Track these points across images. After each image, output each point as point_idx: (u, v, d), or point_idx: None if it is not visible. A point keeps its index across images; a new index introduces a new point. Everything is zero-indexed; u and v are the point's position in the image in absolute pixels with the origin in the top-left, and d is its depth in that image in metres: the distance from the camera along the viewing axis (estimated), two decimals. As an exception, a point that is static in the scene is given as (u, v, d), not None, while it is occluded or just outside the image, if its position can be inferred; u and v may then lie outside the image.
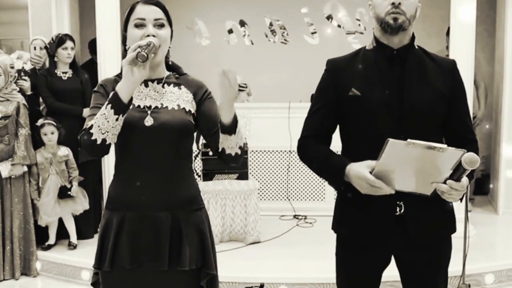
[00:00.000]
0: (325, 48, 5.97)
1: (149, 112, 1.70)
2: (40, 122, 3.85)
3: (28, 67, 4.23)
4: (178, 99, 1.75)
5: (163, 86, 1.76)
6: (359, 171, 1.63)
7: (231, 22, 6.27)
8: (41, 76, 4.03)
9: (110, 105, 1.58)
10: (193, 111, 1.76)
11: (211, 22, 6.28)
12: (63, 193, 3.77)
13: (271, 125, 4.69)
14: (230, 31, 6.29)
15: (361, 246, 1.80)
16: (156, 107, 1.72)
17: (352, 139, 1.81)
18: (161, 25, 1.71)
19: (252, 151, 4.73)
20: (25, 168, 3.67)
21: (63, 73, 4.06)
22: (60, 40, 4.01)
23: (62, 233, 3.94)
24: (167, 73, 1.80)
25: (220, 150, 1.69)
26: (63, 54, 4.01)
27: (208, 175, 4.03)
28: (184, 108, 1.73)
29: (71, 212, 3.87)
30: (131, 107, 1.65)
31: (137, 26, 1.70)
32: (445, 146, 1.55)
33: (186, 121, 1.72)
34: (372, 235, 1.75)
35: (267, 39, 6.27)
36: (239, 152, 1.69)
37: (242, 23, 6.28)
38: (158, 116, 1.69)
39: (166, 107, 1.72)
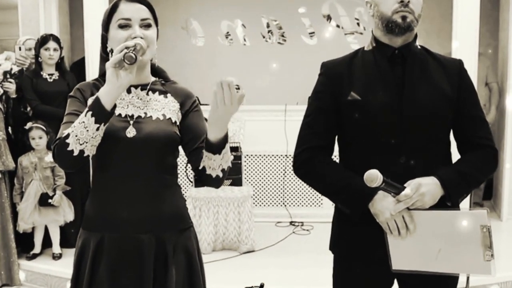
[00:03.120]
0: (323, 48, 5.83)
1: (131, 122, 1.54)
2: (28, 125, 3.72)
3: (16, 68, 4.09)
4: (164, 108, 1.59)
5: (147, 93, 1.60)
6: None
7: (227, 22, 6.12)
8: (26, 78, 3.87)
9: (90, 113, 1.42)
10: (178, 122, 1.60)
11: (206, 22, 6.13)
12: (44, 201, 3.60)
13: (266, 128, 4.55)
14: (226, 32, 6.15)
15: (361, 267, 1.64)
16: (139, 116, 1.56)
17: (352, 146, 1.65)
18: (148, 25, 1.56)
19: (247, 155, 4.58)
20: None
21: (49, 75, 3.89)
22: (42, 40, 3.86)
23: (49, 241, 3.79)
24: (153, 78, 1.65)
25: (200, 168, 1.52)
26: (45, 54, 3.85)
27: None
28: (170, 119, 1.57)
29: (52, 222, 3.70)
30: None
31: (121, 26, 1.54)
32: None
33: (172, 132, 1.56)
34: (373, 255, 1.59)
35: (264, 39, 6.12)
36: (220, 175, 1.51)
37: (238, 23, 6.13)
38: (141, 126, 1.53)
39: (150, 116, 1.56)
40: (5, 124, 3.67)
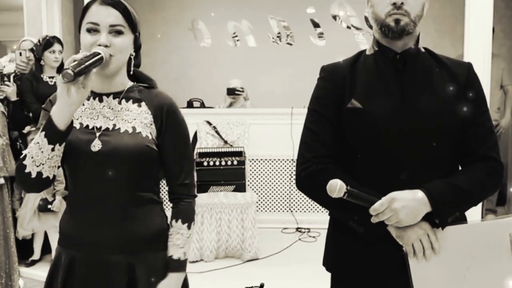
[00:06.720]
0: (332, 49, 5.69)
1: (97, 134, 1.42)
2: (27, 129, 3.66)
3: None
4: (135, 120, 1.46)
5: (119, 102, 1.47)
6: (426, 223, 1.39)
7: (233, 23, 6.02)
8: (25, 81, 3.78)
9: (43, 133, 1.32)
10: (151, 136, 1.47)
11: (213, 23, 6.04)
12: (44, 206, 3.53)
13: (272, 132, 4.44)
14: (232, 33, 6.05)
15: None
16: (107, 128, 1.43)
17: (352, 158, 1.50)
18: (118, 32, 1.42)
19: (252, 159, 4.47)
20: (2, 181, 3.43)
21: (49, 78, 3.81)
22: (47, 43, 3.78)
23: (48, 247, 3.72)
24: (130, 83, 1.51)
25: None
26: (50, 57, 3.77)
27: (202, 187, 3.77)
28: (140, 133, 1.45)
29: (51, 228, 3.63)
30: (78, 127, 1.41)
31: (89, 31, 1.41)
32: None
33: (143, 146, 1.43)
34: (382, 279, 1.46)
35: (272, 40, 6.02)
36: None
37: (245, 24, 6.03)
38: (107, 139, 1.41)
39: (118, 129, 1.44)
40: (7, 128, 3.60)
